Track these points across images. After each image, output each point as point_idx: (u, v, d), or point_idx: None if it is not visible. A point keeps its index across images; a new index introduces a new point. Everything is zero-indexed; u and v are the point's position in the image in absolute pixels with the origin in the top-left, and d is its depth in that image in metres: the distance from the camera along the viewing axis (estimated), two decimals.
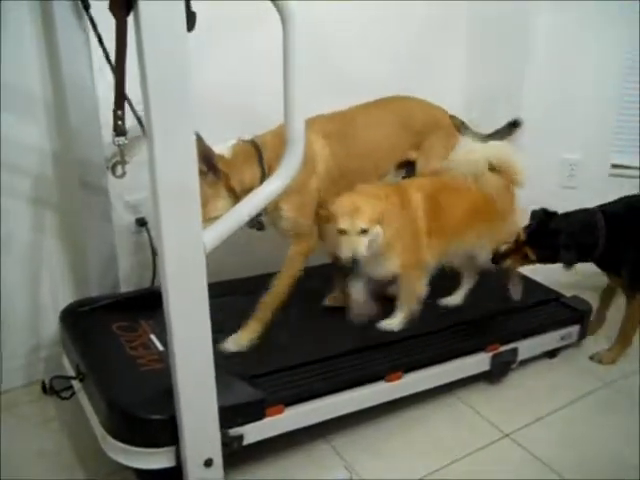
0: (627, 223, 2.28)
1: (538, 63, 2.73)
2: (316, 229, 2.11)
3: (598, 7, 2.62)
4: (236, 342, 1.98)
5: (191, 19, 1.25)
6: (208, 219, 1.68)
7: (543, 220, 2.27)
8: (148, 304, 2.03)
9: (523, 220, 2.33)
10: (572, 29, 2.69)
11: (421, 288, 2.19)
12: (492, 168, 2.26)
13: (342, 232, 1.99)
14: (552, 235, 2.23)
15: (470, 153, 2.26)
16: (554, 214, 2.27)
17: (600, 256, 2.27)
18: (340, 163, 2.10)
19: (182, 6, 1.23)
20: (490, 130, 2.47)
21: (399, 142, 2.28)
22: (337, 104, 2.20)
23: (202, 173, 1.77)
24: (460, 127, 2.52)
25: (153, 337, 1.97)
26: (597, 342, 2.55)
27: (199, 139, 1.72)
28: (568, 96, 2.75)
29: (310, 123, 2.04)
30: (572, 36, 2.70)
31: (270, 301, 2.03)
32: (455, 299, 2.42)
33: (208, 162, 1.79)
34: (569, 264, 2.21)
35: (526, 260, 2.27)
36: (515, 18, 2.77)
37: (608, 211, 2.28)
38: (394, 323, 2.17)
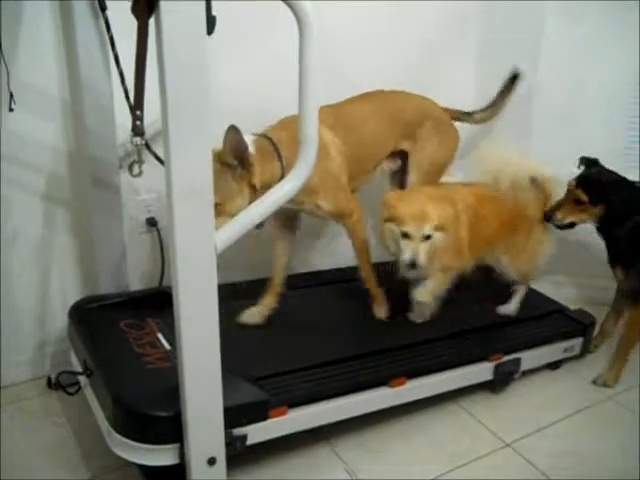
0: None
1: (548, 76, 2.74)
2: (355, 200, 2.18)
3: (610, 21, 2.63)
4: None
5: (211, 22, 1.28)
6: (231, 214, 1.71)
7: (593, 164, 2.31)
8: (156, 303, 2.06)
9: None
10: (583, 43, 2.70)
11: (442, 289, 2.22)
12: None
13: (406, 236, 2.00)
14: (602, 178, 2.26)
15: (509, 167, 2.25)
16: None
17: (617, 239, 2.27)
18: (349, 151, 2.14)
19: (203, 9, 1.25)
20: None
21: (389, 133, 2.32)
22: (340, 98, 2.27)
23: (230, 167, 1.81)
24: (460, 116, 2.57)
25: (160, 336, 1.99)
26: (600, 355, 2.55)
27: (235, 131, 1.75)
28: (577, 111, 2.76)
29: None
30: (583, 50, 2.71)
31: (365, 271, 2.23)
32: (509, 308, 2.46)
33: (241, 155, 1.81)
34: (617, 212, 2.22)
35: (577, 208, 2.24)
36: (526, 30, 2.78)
37: None
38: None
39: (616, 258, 2.34)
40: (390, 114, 2.31)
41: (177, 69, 1.26)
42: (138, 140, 1.38)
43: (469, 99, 2.73)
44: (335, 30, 2.31)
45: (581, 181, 2.25)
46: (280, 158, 1.94)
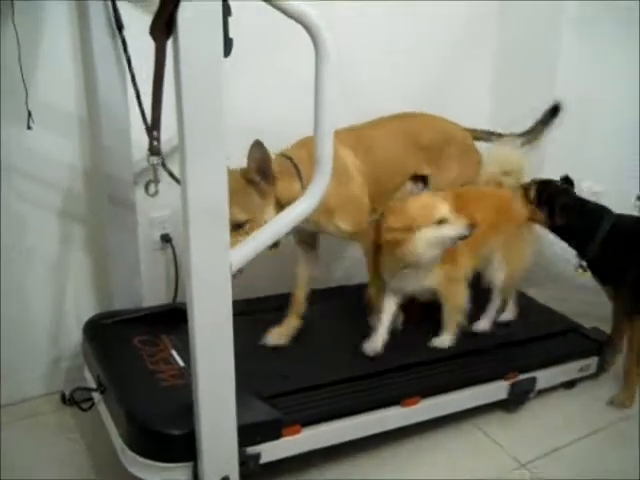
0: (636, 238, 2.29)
1: (564, 90, 2.73)
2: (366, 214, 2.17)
3: (626, 35, 2.62)
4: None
5: (228, 45, 1.29)
6: (259, 226, 1.71)
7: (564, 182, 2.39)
8: (170, 320, 2.06)
9: None
10: (600, 57, 2.69)
11: (464, 300, 2.20)
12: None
13: (442, 221, 2.00)
14: (553, 185, 2.37)
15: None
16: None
17: (594, 260, 2.31)
18: (370, 171, 2.15)
19: (220, 32, 1.26)
20: None
21: (410, 156, 2.31)
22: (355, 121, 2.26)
23: (254, 183, 1.83)
24: (484, 137, 2.55)
25: (174, 353, 1.99)
26: (614, 374, 2.52)
27: (260, 145, 1.76)
28: (593, 125, 2.75)
29: (335, 136, 2.08)
30: (600, 64, 2.70)
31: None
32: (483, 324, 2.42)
33: (265, 170, 1.82)
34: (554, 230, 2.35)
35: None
36: (543, 44, 2.78)
37: (623, 220, 2.30)
38: (445, 340, 2.22)
39: (602, 278, 2.37)
40: (411, 137, 2.31)
41: (194, 90, 1.27)
42: (155, 160, 1.39)
43: (485, 114, 2.74)
44: (351, 49, 2.32)
45: (536, 183, 2.36)
46: (300, 177, 1.95)
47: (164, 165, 1.82)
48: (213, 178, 1.36)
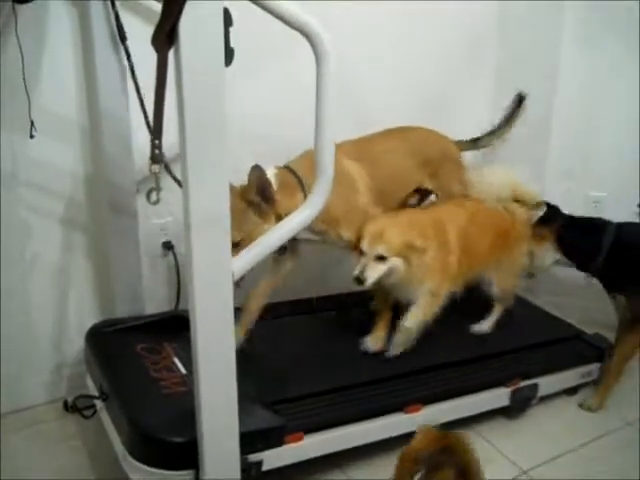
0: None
1: (566, 100, 2.74)
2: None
3: (627, 43, 2.63)
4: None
5: (229, 54, 1.30)
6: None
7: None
8: (172, 327, 2.07)
9: None
10: (601, 67, 2.70)
11: (430, 315, 2.18)
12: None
13: (361, 252, 2.02)
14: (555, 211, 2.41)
15: (492, 176, 2.38)
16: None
17: (601, 271, 2.32)
18: (376, 184, 2.16)
19: (222, 42, 1.27)
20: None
21: (414, 169, 2.33)
22: (360, 134, 2.26)
23: (254, 205, 1.87)
24: (470, 145, 2.57)
25: (176, 360, 1.99)
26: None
27: (259, 170, 1.81)
28: (595, 133, 2.76)
29: (340, 147, 2.10)
30: (600, 75, 2.71)
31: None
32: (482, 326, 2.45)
33: (264, 193, 1.86)
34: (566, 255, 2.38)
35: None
36: (543, 54, 2.79)
37: (625, 228, 2.32)
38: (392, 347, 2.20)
39: (608, 288, 2.38)
40: (414, 150, 2.32)
41: (196, 99, 1.28)
42: (156, 168, 1.39)
43: (486, 126, 2.74)
44: (353, 62, 2.35)
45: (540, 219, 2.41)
46: (303, 189, 1.96)
47: (167, 168, 1.84)
48: (215, 186, 1.37)
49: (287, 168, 2.00)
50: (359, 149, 2.19)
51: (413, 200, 2.44)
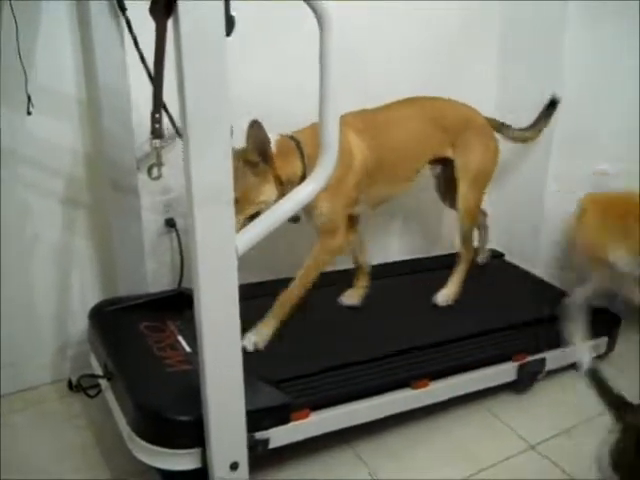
0: None
1: (572, 72, 2.69)
2: (345, 228, 2.10)
3: (633, 15, 2.58)
4: (251, 341, 1.97)
5: (230, 23, 1.26)
6: (256, 204, 1.81)
7: None
8: (176, 305, 2.05)
9: None
10: (607, 34, 2.64)
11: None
12: None
13: None
14: None
15: None
16: None
17: None
18: (376, 156, 2.11)
19: (222, 10, 1.23)
20: None
21: (430, 138, 2.29)
22: (364, 107, 2.22)
23: (253, 165, 1.83)
24: (500, 128, 2.55)
25: (180, 338, 1.97)
26: (624, 354, 2.51)
27: (258, 125, 1.75)
28: (603, 106, 2.71)
29: (342, 120, 2.06)
30: (607, 41, 2.65)
31: (287, 297, 2.03)
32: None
33: (262, 150, 1.81)
34: None
35: None
36: (550, 24, 2.73)
37: None
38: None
39: None
40: (431, 120, 2.28)
41: (196, 71, 1.25)
42: (157, 143, 1.36)
43: (491, 99, 2.72)
44: (357, 35, 2.32)
45: None
46: (302, 157, 1.93)
47: (172, 121, 1.81)
48: (217, 160, 1.34)
49: (289, 136, 1.97)
50: (366, 120, 2.15)
51: (436, 169, 2.43)
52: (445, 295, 2.43)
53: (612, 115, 2.69)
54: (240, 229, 1.70)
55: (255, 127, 1.76)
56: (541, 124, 2.64)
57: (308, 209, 2.02)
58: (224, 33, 1.26)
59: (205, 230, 1.37)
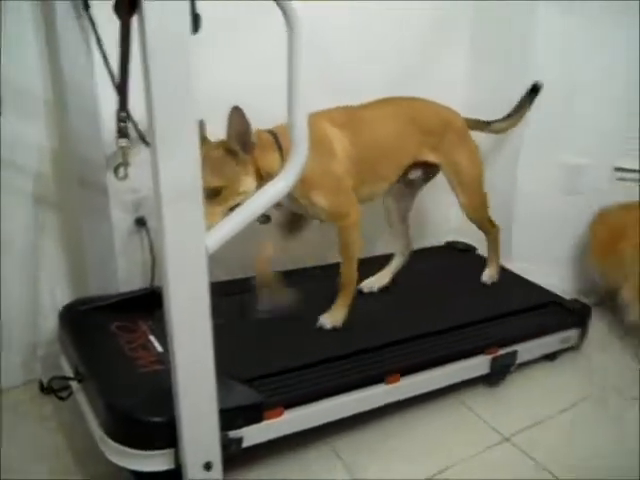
0: None
1: (542, 65, 2.71)
2: (354, 200, 2.11)
3: (604, 10, 2.60)
4: (332, 318, 2.15)
5: (196, 21, 1.25)
6: (238, 194, 1.80)
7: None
8: (147, 304, 2.03)
9: None
10: (578, 31, 2.66)
11: None
12: None
13: None
14: None
15: None
16: None
17: None
18: (359, 153, 2.10)
19: (187, 7, 1.22)
20: None
21: (410, 140, 2.27)
22: (337, 104, 2.20)
23: (234, 154, 1.81)
24: (483, 127, 2.56)
25: (152, 338, 1.96)
26: (597, 346, 2.54)
27: (239, 111, 1.73)
28: (572, 99, 2.74)
29: (323, 114, 2.08)
30: (578, 38, 2.67)
31: (347, 279, 2.15)
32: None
33: (244, 138, 1.80)
34: None
35: None
36: (519, 19, 2.75)
37: None
38: None
39: None
40: (411, 121, 2.27)
41: (162, 69, 1.23)
42: (123, 142, 1.34)
43: (461, 96, 2.73)
44: (328, 33, 2.34)
45: None
46: (280, 151, 1.92)
47: (135, 126, 1.79)
48: (185, 158, 1.32)
49: (267, 131, 1.96)
50: (347, 116, 2.14)
51: (415, 174, 2.40)
52: (489, 275, 2.63)
53: (583, 111, 2.72)
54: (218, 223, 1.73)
55: (236, 113, 1.73)
56: (522, 110, 2.64)
57: (310, 210, 2.05)
58: (190, 31, 1.24)
59: (174, 229, 1.36)
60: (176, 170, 1.32)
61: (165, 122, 1.27)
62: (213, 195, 1.76)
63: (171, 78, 1.24)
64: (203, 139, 1.82)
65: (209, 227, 1.63)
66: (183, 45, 1.24)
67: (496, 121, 2.61)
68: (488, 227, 2.59)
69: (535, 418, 2.13)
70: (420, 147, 2.30)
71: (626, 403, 2.23)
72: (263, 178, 1.85)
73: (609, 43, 2.66)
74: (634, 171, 2.82)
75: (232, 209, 1.76)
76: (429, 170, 2.40)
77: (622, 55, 2.69)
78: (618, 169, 2.83)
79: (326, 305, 2.21)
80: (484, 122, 2.58)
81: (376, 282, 2.50)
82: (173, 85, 1.25)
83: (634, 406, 2.20)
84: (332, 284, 2.19)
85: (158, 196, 1.32)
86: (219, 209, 1.78)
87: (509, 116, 2.63)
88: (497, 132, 2.65)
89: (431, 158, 2.33)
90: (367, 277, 2.50)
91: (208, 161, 1.70)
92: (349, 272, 2.14)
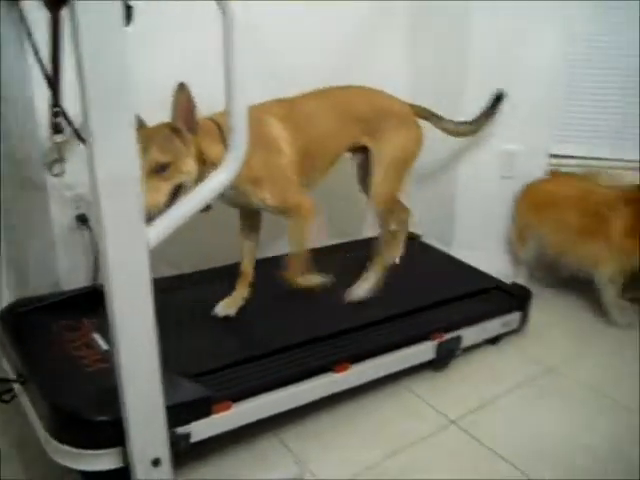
0: None
1: (479, 54, 2.75)
2: (303, 194, 2.10)
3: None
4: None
5: (129, 13, 1.23)
6: (183, 172, 1.77)
7: None
8: (90, 302, 2.00)
9: None
10: (514, 20, 2.71)
11: None
12: None
13: None
14: None
15: None
16: None
17: None
18: (301, 145, 2.10)
19: None
20: None
21: (345, 128, 2.28)
22: (277, 95, 2.20)
23: (179, 132, 1.78)
24: (429, 117, 2.56)
25: (96, 336, 1.93)
26: (538, 328, 2.62)
27: (185, 89, 1.72)
28: (510, 88, 2.79)
29: (264, 107, 2.07)
30: (514, 27, 2.72)
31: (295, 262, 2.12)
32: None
33: (189, 116, 1.77)
34: None
35: None
36: (455, 7, 2.79)
37: None
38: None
39: None
40: (346, 109, 2.27)
41: (95, 62, 1.20)
42: (58, 138, 1.32)
43: (403, 82, 2.75)
44: (266, 22, 2.33)
45: None
46: (223, 140, 1.88)
47: (69, 122, 1.75)
48: (122, 153, 1.30)
49: (209, 118, 1.93)
50: (286, 108, 2.14)
51: (356, 158, 2.41)
52: (361, 289, 2.39)
53: (520, 96, 2.78)
54: (166, 199, 1.74)
55: (182, 91, 1.72)
56: (483, 119, 2.68)
57: (259, 205, 2.04)
58: (123, 23, 1.23)
59: (113, 225, 1.33)
60: (113, 165, 1.30)
61: (100, 117, 1.25)
62: (159, 171, 1.74)
63: (105, 71, 1.22)
64: (140, 127, 1.80)
65: (155, 204, 1.66)
66: (116, 37, 1.21)
67: (452, 121, 2.61)
68: (388, 219, 2.50)
69: (480, 401, 2.18)
70: (355, 133, 2.31)
71: (568, 384, 2.30)
72: (206, 164, 1.83)
73: (542, 28, 2.72)
74: (569, 157, 2.89)
75: (175, 192, 1.77)
76: (368, 153, 2.39)
77: (556, 43, 2.75)
78: (553, 155, 2.90)
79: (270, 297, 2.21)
80: (435, 115, 2.56)
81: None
82: (107, 77, 1.23)
83: (575, 387, 2.27)
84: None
85: (95, 192, 1.30)
86: (165, 185, 1.75)
87: (467, 122, 2.66)
88: (448, 132, 2.64)
89: (365, 142, 2.34)
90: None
91: (154, 138, 1.72)
92: (300, 260, 2.12)
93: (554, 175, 2.85)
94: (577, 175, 2.82)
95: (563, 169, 2.85)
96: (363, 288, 2.37)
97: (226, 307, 2.20)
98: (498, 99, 2.65)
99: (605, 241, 2.58)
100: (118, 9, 1.20)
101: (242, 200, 2.04)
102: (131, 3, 1.24)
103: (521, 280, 2.77)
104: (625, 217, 2.55)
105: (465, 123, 2.66)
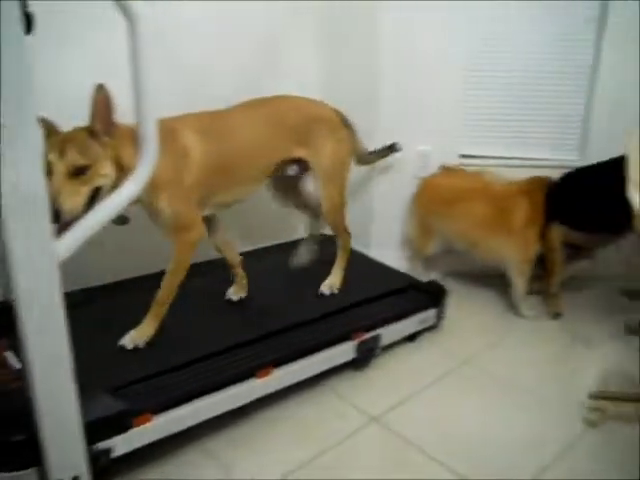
0: None
1: (390, 61, 2.80)
2: (199, 220, 2.07)
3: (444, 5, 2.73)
4: (132, 339, 2.02)
5: (29, 21, 1.20)
6: (101, 175, 1.75)
7: None
8: (3, 319, 1.92)
9: None
10: (420, 25, 2.78)
11: None
12: None
13: None
14: None
15: None
16: None
17: None
18: (215, 159, 2.07)
19: (17, 6, 1.17)
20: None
21: (273, 141, 2.25)
22: (190, 104, 2.15)
23: (96, 135, 1.75)
24: (343, 121, 2.56)
25: (9, 354, 1.86)
26: (455, 323, 2.69)
27: (103, 90, 1.69)
28: (421, 91, 2.86)
29: (182, 120, 2.05)
30: (420, 34, 2.79)
31: (162, 297, 2.05)
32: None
33: (107, 118, 1.75)
34: None
35: None
36: (364, 12, 2.83)
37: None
38: None
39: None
40: (274, 120, 2.25)
41: None
42: None
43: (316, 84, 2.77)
44: (176, 31, 2.35)
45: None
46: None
47: None
48: (27, 167, 1.27)
49: (128, 126, 1.85)
50: (205, 122, 2.10)
51: (292, 170, 2.39)
52: (329, 285, 2.52)
53: (429, 98, 2.86)
54: (85, 203, 1.72)
55: (100, 91, 1.69)
56: (374, 158, 2.80)
57: (151, 212, 1.99)
58: (23, 31, 1.19)
59: (20, 239, 1.30)
60: (18, 177, 1.26)
61: (3, 127, 1.21)
62: (78, 174, 1.72)
63: (7, 81, 1.19)
64: (55, 131, 1.78)
65: (74, 207, 1.66)
66: (17, 46, 1.18)
67: (356, 138, 2.62)
68: (342, 231, 2.57)
69: (400, 397, 2.22)
70: (286, 145, 2.29)
71: (483, 376, 2.37)
72: (123, 170, 1.79)
73: (448, 27, 2.80)
74: (477, 157, 2.99)
75: (93, 195, 1.75)
76: (304, 164, 2.38)
77: (459, 49, 2.84)
78: (464, 156, 2.99)
79: (191, 304, 2.19)
80: (347, 124, 2.53)
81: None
82: (9, 89, 1.19)
83: (489, 378, 2.35)
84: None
85: (3, 208, 1.27)
86: (83, 189, 1.72)
87: (366, 152, 2.73)
88: (357, 160, 2.69)
89: (299, 154, 2.33)
90: None
91: (72, 141, 1.72)
92: (168, 291, 2.06)
93: (445, 170, 2.93)
94: (465, 170, 2.91)
95: (471, 168, 2.94)
96: (333, 282, 2.54)
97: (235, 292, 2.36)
98: (391, 148, 2.81)
99: (507, 233, 2.69)
100: (17, 17, 1.17)
101: (147, 211, 2.01)
102: (31, 11, 1.20)
103: (435, 277, 2.84)
104: (523, 208, 2.68)
105: (365, 152, 2.73)
